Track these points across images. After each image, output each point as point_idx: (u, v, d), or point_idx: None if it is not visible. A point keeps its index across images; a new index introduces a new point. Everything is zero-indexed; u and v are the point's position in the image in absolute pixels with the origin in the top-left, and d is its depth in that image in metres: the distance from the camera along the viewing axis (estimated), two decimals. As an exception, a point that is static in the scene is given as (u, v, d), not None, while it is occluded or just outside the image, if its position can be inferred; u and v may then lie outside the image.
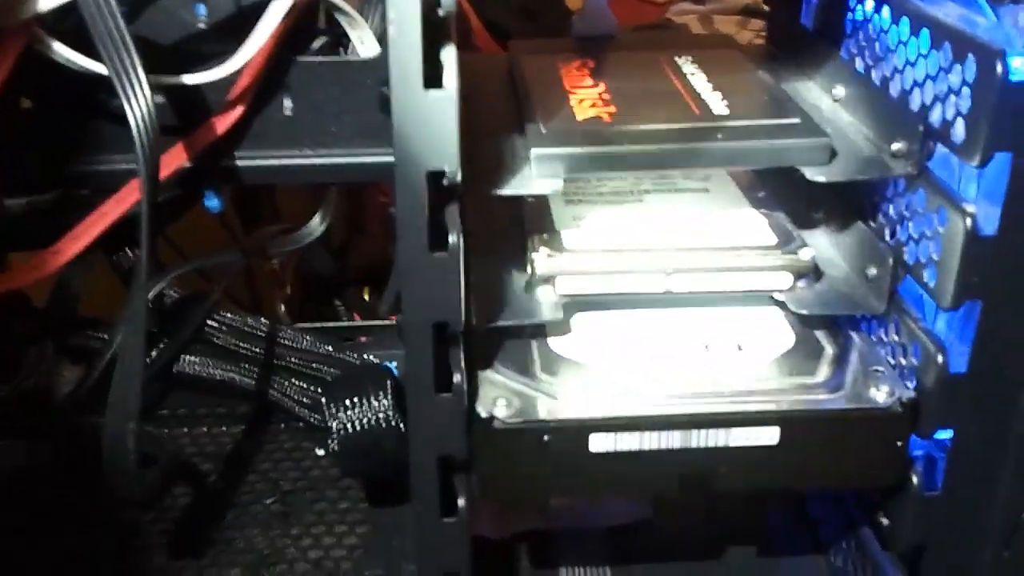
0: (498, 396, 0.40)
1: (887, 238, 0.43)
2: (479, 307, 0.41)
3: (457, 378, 0.38)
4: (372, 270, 0.85)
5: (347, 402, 0.48)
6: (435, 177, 0.35)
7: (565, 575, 0.49)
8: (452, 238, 0.36)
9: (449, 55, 0.34)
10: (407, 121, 0.34)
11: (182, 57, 0.47)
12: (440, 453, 0.39)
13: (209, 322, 0.60)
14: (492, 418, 0.39)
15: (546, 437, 0.39)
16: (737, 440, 0.40)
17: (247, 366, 0.59)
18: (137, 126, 0.41)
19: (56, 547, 0.51)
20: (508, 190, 0.39)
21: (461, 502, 0.40)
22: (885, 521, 0.44)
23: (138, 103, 0.41)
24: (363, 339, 0.66)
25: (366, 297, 0.78)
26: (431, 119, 0.34)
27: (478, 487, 0.40)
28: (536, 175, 0.40)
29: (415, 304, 0.37)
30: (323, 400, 0.48)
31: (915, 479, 0.41)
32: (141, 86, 0.41)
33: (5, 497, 0.53)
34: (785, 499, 0.53)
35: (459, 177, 0.35)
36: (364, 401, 0.48)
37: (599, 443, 0.40)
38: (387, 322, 0.68)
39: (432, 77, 0.34)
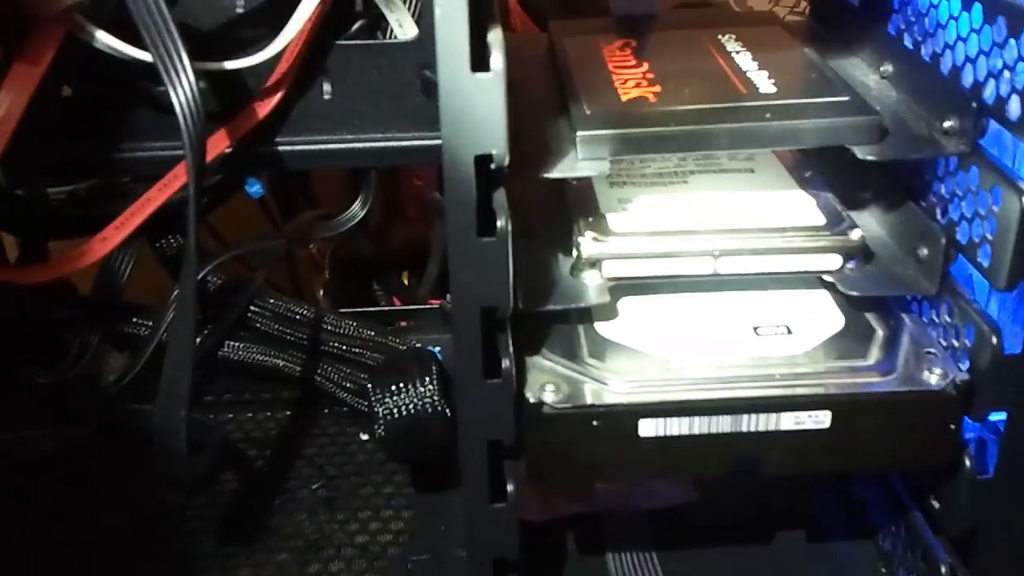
0: (546, 381, 0.39)
1: (938, 218, 0.42)
2: (525, 291, 0.41)
3: (506, 363, 0.38)
4: (410, 253, 0.85)
5: (393, 387, 0.48)
6: (483, 161, 0.34)
7: (611, 558, 0.49)
8: (500, 223, 0.36)
9: (496, 37, 0.34)
10: (454, 105, 0.34)
11: (221, 43, 0.47)
12: (489, 438, 0.39)
13: (252, 308, 0.60)
14: (541, 403, 0.39)
15: (595, 422, 0.39)
16: (787, 424, 0.40)
17: (291, 352, 0.59)
18: (183, 111, 0.41)
19: (102, 532, 0.52)
20: (554, 173, 0.39)
21: (510, 487, 0.40)
22: (936, 505, 0.44)
23: (183, 89, 0.41)
24: (404, 324, 0.66)
25: (405, 281, 0.78)
26: (478, 102, 0.34)
27: (527, 472, 0.40)
28: (582, 157, 0.39)
29: (464, 289, 0.36)
30: (368, 385, 0.48)
31: (968, 462, 0.41)
32: (186, 72, 0.41)
33: (53, 482, 0.54)
34: (831, 482, 0.53)
35: (507, 161, 0.35)
36: (409, 386, 0.48)
37: (648, 428, 0.39)
38: (428, 306, 0.68)
39: (479, 59, 0.33)
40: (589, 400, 0.39)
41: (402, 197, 0.95)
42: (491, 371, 0.38)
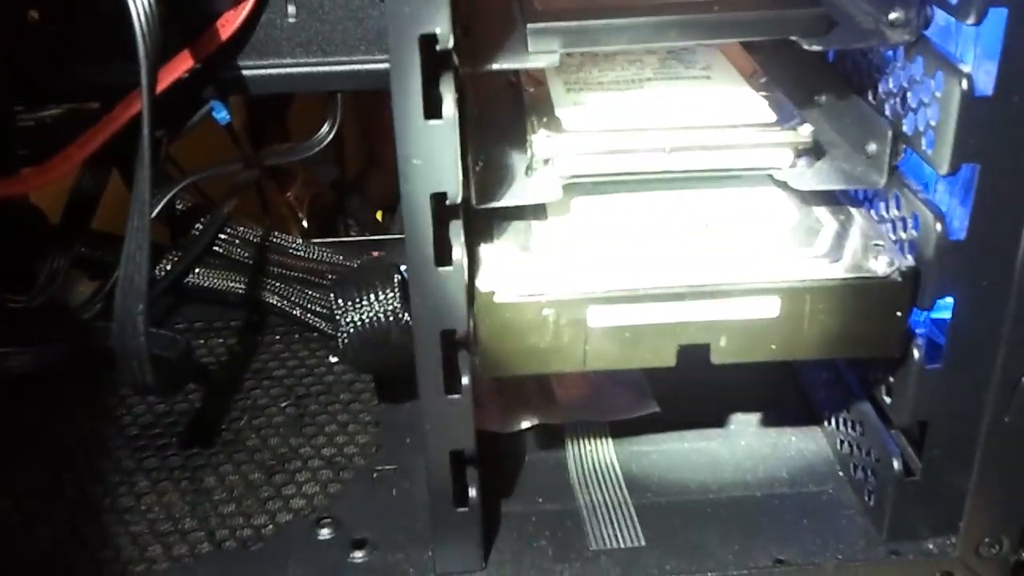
0: (498, 271, 0.40)
1: (886, 113, 0.43)
2: (479, 188, 0.41)
3: (457, 252, 0.39)
4: (386, 199, 0.86)
5: (355, 297, 0.49)
6: (427, 41, 0.35)
7: (572, 463, 0.50)
8: (447, 106, 0.36)
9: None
10: (396, -14, 0.34)
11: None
12: (442, 328, 0.39)
13: (221, 236, 0.61)
14: (493, 292, 0.40)
15: (545, 311, 0.40)
16: (737, 312, 0.40)
17: (260, 277, 0.60)
18: (139, 24, 0.41)
19: (73, 448, 0.52)
20: (504, 63, 0.39)
21: (465, 380, 0.41)
22: (887, 400, 0.44)
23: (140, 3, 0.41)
24: (375, 253, 0.67)
25: (379, 217, 0.78)
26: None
27: (479, 362, 0.41)
28: (532, 49, 0.40)
29: (413, 174, 0.37)
30: (332, 296, 0.49)
31: (916, 353, 0.42)
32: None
33: (25, 401, 0.55)
34: (787, 389, 0.54)
35: (451, 43, 0.35)
36: (372, 296, 0.49)
37: (597, 316, 0.40)
38: (398, 236, 0.68)
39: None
40: (540, 289, 0.40)
41: (382, 149, 0.96)
42: (442, 260, 0.39)
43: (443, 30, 0.35)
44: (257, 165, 0.58)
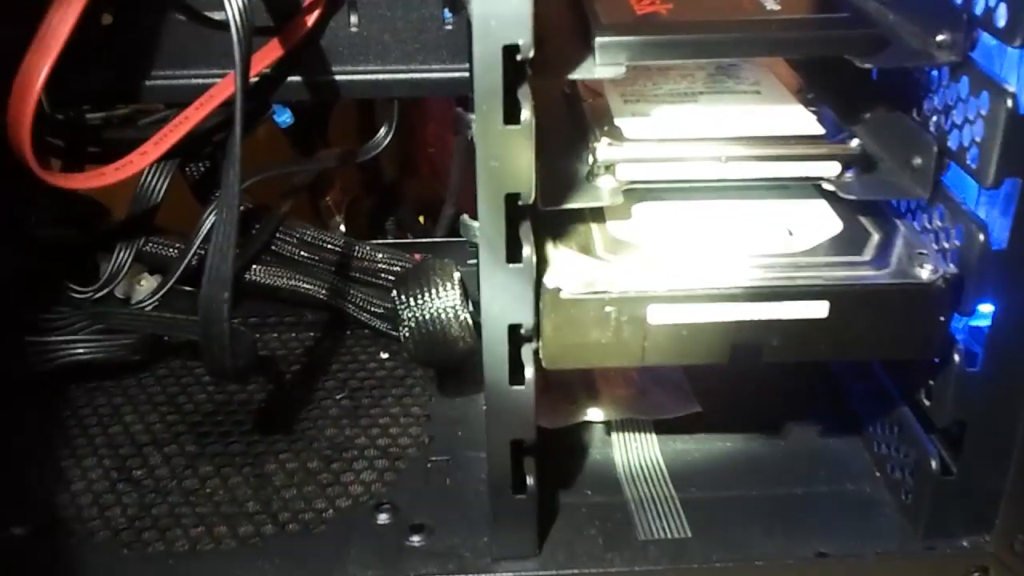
0: (564, 269, 0.42)
1: (931, 129, 0.45)
2: (544, 192, 0.44)
3: (527, 250, 0.41)
4: (423, 204, 0.88)
5: (417, 293, 0.51)
6: (510, 52, 0.37)
7: (618, 459, 0.52)
8: (524, 112, 0.38)
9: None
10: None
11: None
12: (510, 322, 0.42)
13: (278, 235, 0.63)
14: (559, 289, 0.42)
15: (607, 308, 0.42)
16: (788, 313, 0.43)
17: (315, 276, 0.62)
18: (235, 21, 0.43)
19: (139, 430, 0.55)
20: (574, 75, 0.42)
21: (528, 372, 0.43)
22: (927, 402, 0.46)
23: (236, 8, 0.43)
24: (418, 256, 0.69)
25: (421, 220, 0.81)
26: (507, -4, 0.37)
27: (542, 355, 0.43)
28: (599, 62, 0.42)
29: (490, 176, 0.39)
30: (395, 291, 0.51)
31: (956, 357, 0.44)
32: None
33: (92, 387, 0.57)
34: (827, 391, 0.56)
35: (532, 53, 0.38)
36: (433, 292, 0.51)
37: (656, 314, 0.42)
38: (443, 239, 0.71)
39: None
40: (603, 287, 0.42)
41: (416, 159, 0.99)
42: (513, 257, 0.41)
43: (525, 41, 0.37)
44: (337, 163, 0.60)
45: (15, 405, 0.56)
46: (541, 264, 0.43)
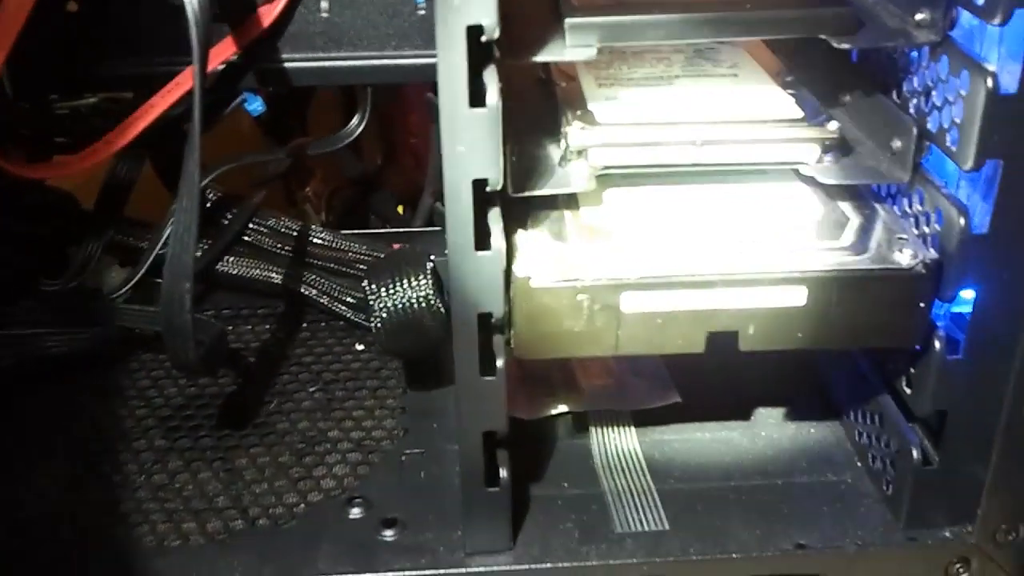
0: (535, 257, 0.41)
1: (910, 111, 0.44)
2: (515, 177, 0.43)
3: (496, 237, 0.40)
4: (404, 195, 0.87)
5: (389, 282, 0.50)
6: (474, 32, 0.36)
7: (596, 450, 0.51)
8: (491, 96, 0.37)
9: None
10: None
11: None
12: (479, 311, 0.41)
13: (251, 225, 0.62)
14: (529, 277, 0.41)
15: (579, 296, 0.41)
16: (765, 300, 0.42)
17: (288, 266, 0.61)
18: (193, 14, 0.42)
19: (108, 427, 0.54)
20: (543, 56, 0.41)
21: (499, 362, 0.42)
22: (908, 390, 0.46)
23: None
24: (396, 246, 0.68)
25: (400, 211, 0.80)
26: (469, -26, 0.36)
27: (514, 345, 0.42)
28: (570, 43, 0.41)
29: (456, 161, 0.38)
30: (366, 281, 0.50)
31: (938, 344, 0.43)
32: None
33: (61, 380, 0.56)
34: (807, 381, 0.55)
35: (496, 34, 0.36)
36: (405, 282, 0.50)
37: (630, 302, 0.41)
38: (421, 229, 0.70)
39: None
40: (575, 275, 0.41)
41: (399, 149, 0.97)
42: (482, 244, 0.40)
43: (490, 22, 0.36)
44: (299, 154, 0.59)
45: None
46: (510, 251, 0.42)
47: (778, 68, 0.50)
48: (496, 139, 0.38)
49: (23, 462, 0.51)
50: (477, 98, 0.37)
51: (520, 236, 0.43)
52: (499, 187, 0.39)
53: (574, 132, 0.43)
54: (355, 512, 0.48)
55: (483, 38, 0.37)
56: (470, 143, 0.38)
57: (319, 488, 0.49)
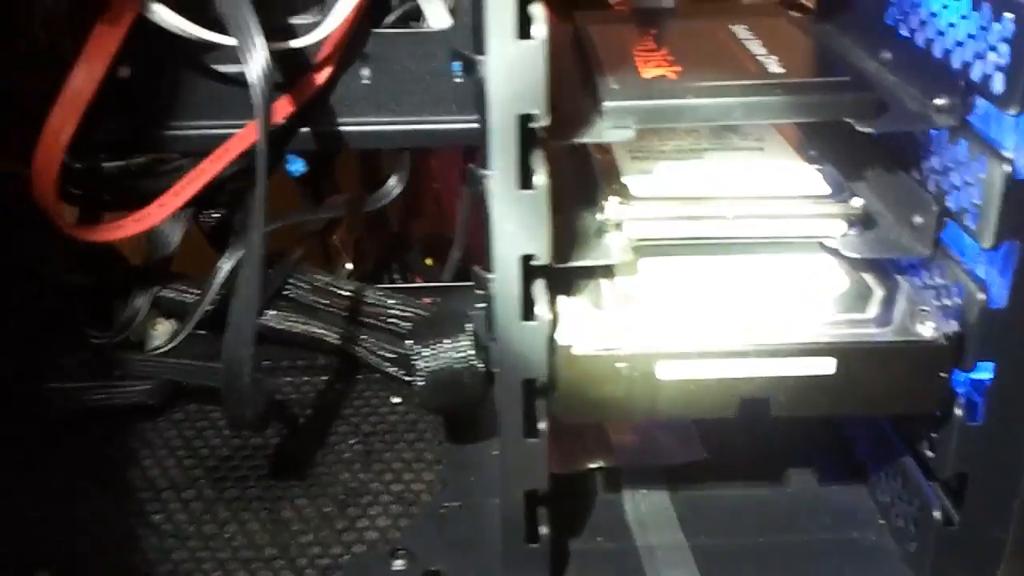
0: (575, 326, 0.44)
1: (930, 188, 0.47)
2: (555, 248, 0.45)
3: (542, 308, 0.42)
4: (430, 245, 0.89)
5: (431, 342, 0.52)
6: (524, 120, 0.39)
7: (628, 505, 0.53)
8: (538, 178, 0.40)
9: (538, 9, 0.38)
10: (500, 69, 0.38)
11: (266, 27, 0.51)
12: (524, 377, 0.43)
13: (290, 280, 0.64)
14: (571, 346, 0.43)
15: (618, 364, 0.43)
16: (795, 369, 0.44)
17: (328, 321, 0.63)
18: (257, 79, 0.45)
19: (154, 479, 0.56)
20: (584, 138, 0.43)
21: (542, 425, 0.44)
22: (930, 454, 0.48)
23: (258, 63, 0.45)
24: (427, 300, 0.70)
25: (428, 263, 0.82)
26: (523, 67, 0.38)
27: (556, 409, 0.44)
28: (608, 126, 0.43)
29: (506, 238, 0.41)
30: (410, 340, 0.52)
31: (958, 411, 0.45)
32: (260, 49, 0.45)
33: (105, 433, 0.58)
34: (832, 440, 0.57)
35: (545, 122, 0.39)
36: (446, 342, 0.52)
37: (665, 370, 0.44)
38: (451, 284, 0.72)
39: (523, 28, 0.38)
40: (614, 344, 0.43)
41: (421, 198, 1.00)
42: (528, 315, 0.42)
43: (540, 110, 0.39)
44: (353, 213, 0.61)
45: (34, 450, 0.57)
46: (552, 320, 0.44)
47: (800, 140, 0.53)
48: (543, 217, 0.41)
49: (76, 511, 0.53)
50: (526, 180, 0.40)
51: (560, 304, 0.45)
52: (546, 261, 0.41)
53: (612, 207, 0.46)
54: (398, 564, 0.49)
55: (532, 125, 0.39)
56: (519, 221, 0.41)
57: (362, 539, 0.51)
